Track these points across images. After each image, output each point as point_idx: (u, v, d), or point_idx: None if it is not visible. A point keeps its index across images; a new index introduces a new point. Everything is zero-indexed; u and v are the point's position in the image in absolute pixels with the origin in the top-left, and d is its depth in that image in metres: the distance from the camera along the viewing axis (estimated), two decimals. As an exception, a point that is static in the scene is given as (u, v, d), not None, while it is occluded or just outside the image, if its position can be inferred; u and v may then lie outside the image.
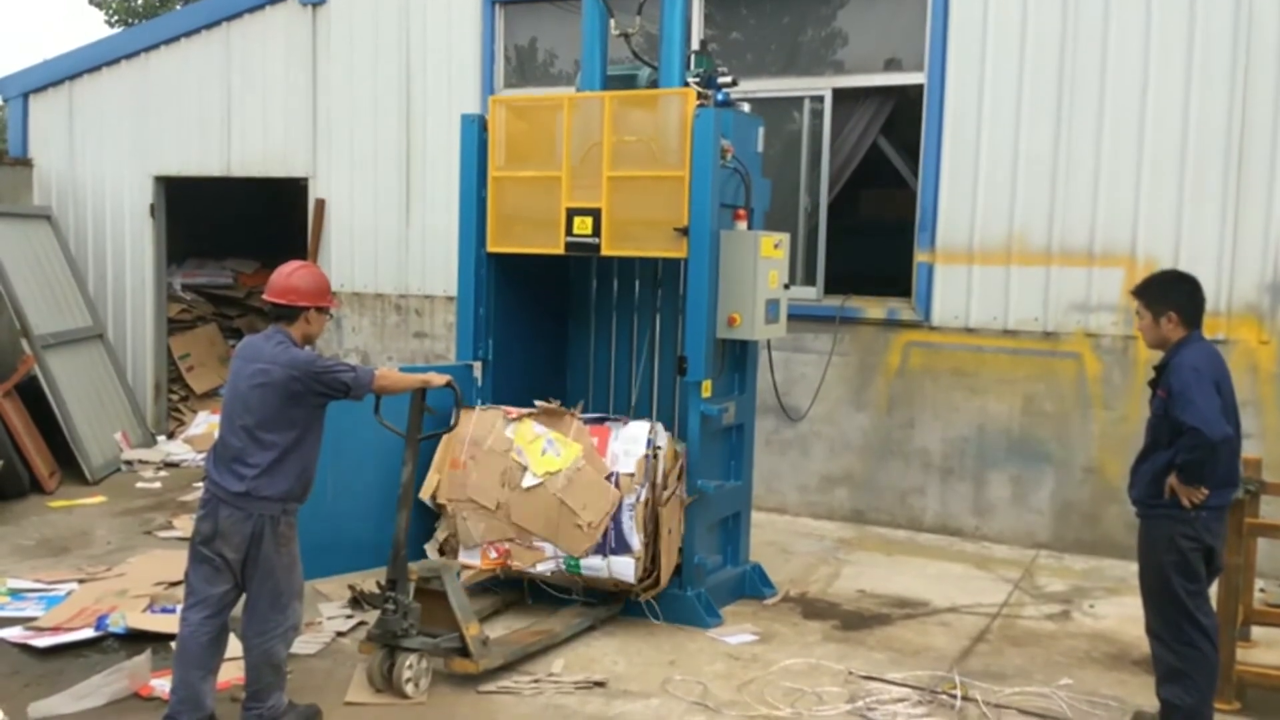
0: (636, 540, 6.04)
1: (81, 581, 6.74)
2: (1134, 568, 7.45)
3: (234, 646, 5.05)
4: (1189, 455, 4.69)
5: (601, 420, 6.45)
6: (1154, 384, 4.96)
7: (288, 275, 5.04)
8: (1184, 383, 4.72)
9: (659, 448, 6.15)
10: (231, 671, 5.18)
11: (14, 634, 5.93)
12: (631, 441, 6.18)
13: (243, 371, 4.90)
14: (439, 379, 5.38)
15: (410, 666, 5.32)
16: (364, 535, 6.09)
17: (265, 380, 4.81)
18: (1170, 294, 4.99)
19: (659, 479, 6.11)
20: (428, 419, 5.48)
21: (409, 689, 5.31)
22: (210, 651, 4.88)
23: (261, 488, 4.78)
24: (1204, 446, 4.64)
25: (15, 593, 6.59)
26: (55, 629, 5.95)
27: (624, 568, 6.08)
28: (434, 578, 5.48)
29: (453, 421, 5.58)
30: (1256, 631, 6.10)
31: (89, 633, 5.92)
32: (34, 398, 9.51)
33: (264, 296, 5.07)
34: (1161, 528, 4.89)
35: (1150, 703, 5.13)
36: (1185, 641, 4.82)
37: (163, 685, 5.14)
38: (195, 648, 4.83)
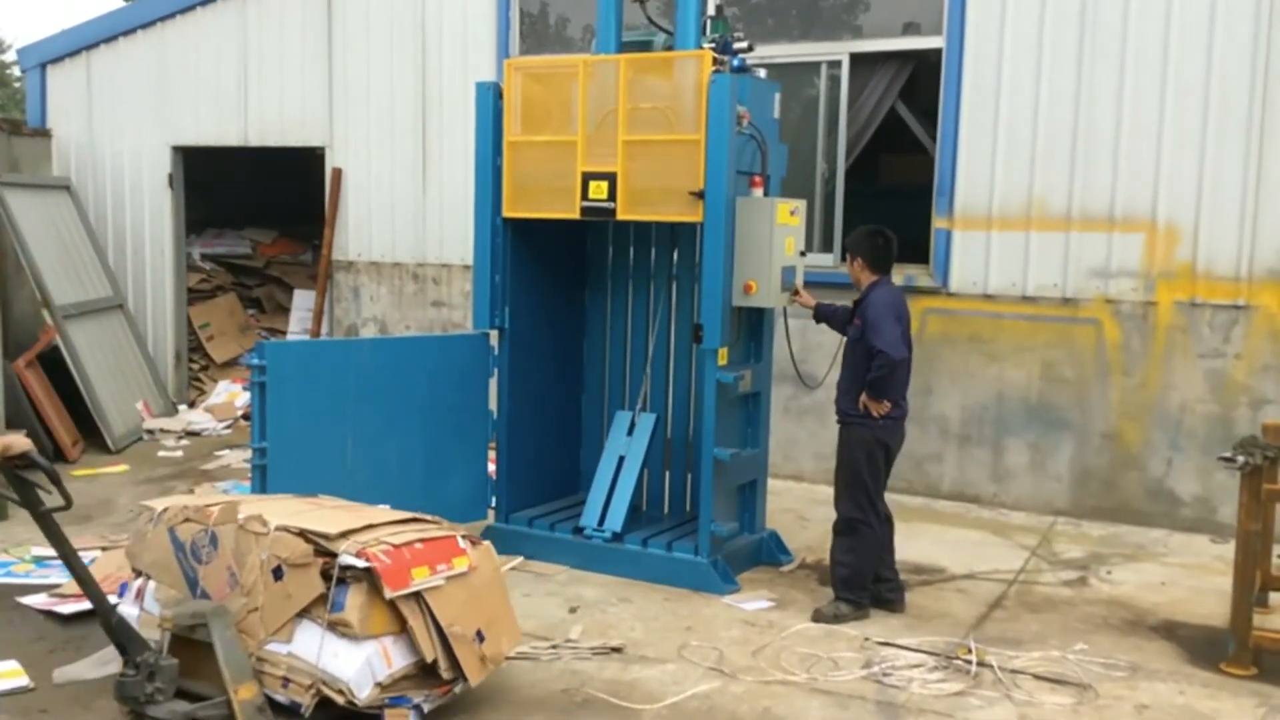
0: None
1: (104, 549, 6.80)
2: (1153, 534, 7.65)
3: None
4: (877, 373, 5.80)
5: None
6: (851, 316, 6.09)
7: None
8: (876, 316, 5.85)
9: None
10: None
11: (39, 601, 6.01)
12: None
13: None
14: (19, 446, 4.16)
15: None
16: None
17: None
18: (862, 244, 6.08)
19: None
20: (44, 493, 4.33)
21: None
22: None
23: None
24: (888, 365, 5.77)
25: (40, 560, 6.66)
26: (79, 596, 6.01)
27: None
28: (199, 625, 4.31)
29: (65, 498, 4.30)
30: (1275, 598, 6.09)
31: (112, 600, 5.95)
32: (56, 368, 9.58)
33: None
34: (857, 433, 6.01)
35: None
36: (863, 516, 5.97)
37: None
38: None
